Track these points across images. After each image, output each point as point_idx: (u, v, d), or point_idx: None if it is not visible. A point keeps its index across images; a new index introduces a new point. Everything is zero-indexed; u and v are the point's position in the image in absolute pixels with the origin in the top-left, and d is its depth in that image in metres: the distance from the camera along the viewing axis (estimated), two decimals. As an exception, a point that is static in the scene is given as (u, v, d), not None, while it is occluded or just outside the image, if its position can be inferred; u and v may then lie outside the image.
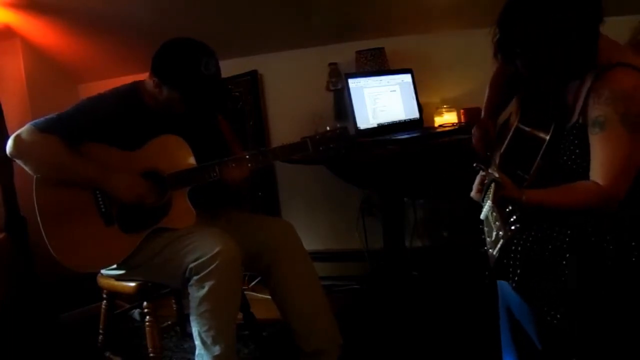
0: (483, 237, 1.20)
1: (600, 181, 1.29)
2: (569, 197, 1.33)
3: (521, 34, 1.32)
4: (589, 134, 1.33)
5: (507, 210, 1.13)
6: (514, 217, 1.10)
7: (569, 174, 1.39)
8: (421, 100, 2.59)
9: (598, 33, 1.34)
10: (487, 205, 1.22)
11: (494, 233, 1.14)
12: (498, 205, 1.17)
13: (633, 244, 1.28)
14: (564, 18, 1.29)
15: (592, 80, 1.33)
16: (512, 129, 1.56)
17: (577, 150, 1.38)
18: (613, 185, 1.28)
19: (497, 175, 1.29)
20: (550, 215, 1.37)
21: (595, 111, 1.30)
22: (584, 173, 1.34)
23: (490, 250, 1.15)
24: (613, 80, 1.29)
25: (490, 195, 1.24)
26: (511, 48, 1.35)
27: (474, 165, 1.41)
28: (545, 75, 1.38)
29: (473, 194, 1.41)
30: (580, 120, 1.37)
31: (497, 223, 1.13)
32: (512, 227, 1.08)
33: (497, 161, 1.57)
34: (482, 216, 1.25)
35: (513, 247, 1.36)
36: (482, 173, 1.39)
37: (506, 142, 1.57)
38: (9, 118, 2.43)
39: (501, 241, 1.09)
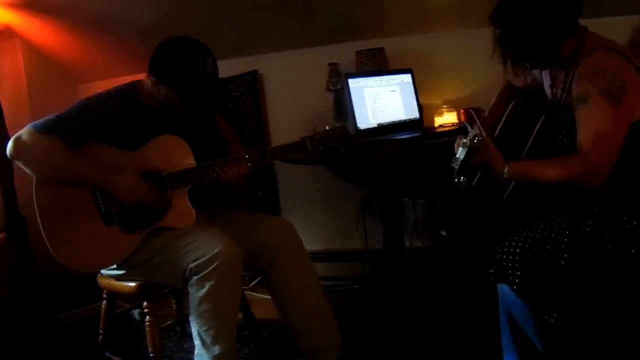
0: (452, 159, 1.40)
1: (583, 151, 1.31)
2: (553, 169, 1.35)
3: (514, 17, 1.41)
4: (574, 112, 1.36)
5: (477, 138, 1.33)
6: (479, 137, 1.32)
7: (558, 152, 1.42)
8: (421, 100, 2.59)
9: (576, 23, 1.41)
10: (462, 145, 1.37)
11: (460, 149, 1.36)
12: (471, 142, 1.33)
13: (631, 241, 1.28)
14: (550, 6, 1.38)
15: (577, 65, 1.37)
16: (505, 114, 1.61)
17: (564, 130, 1.41)
18: (595, 155, 1.29)
19: (480, 131, 1.36)
20: (547, 196, 1.40)
21: (579, 88, 1.35)
22: (572, 151, 1.36)
23: (454, 166, 1.38)
24: (594, 59, 1.34)
25: (469, 138, 1.35)
26: (501, 26, 1.44)
27: (464, 124, 1.46)
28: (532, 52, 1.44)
29: (456, 149, 1.46)
30: (566, 102, 1.40)
31: (464, 148, 1.34)
32: (475, 140, 1.31)
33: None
34: (457, 155, 1.40)
35: (512, 250, 1.36)
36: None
37: (499, 127, 1.62)
38: (9, 118, 2.43)
39: (465, 151, 1.33)
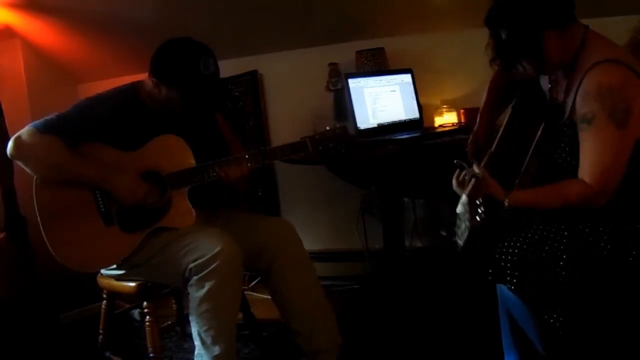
0: (455, 228, 1.25)
1: (587, 178, 1.29)
2: (555, 197, 1.32)
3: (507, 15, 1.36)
4: (578, 131, 1.33)
5: (477, 202, 1.19)
6: (481, 209, 1.17)
7: (561, 171, 1.39)
8: (421, 100, 2.59)
9: (573, 17, 1.37)
10: (462, 199, 1.25)
11: (463, 225, 1.21)
12: (470, 200, 1.22)
13: (630, 243, 1.28)
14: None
15: (581, 78, 1.33)
16: (503, 125, 1.56)
17: (567, 148, 1.38)
18: (600, 182, 1.27)
19: (477, 171, 1.29)
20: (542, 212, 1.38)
21: (584, 107, 1.31)
22: (574, 171, 1.34)
23: (458, 240, 1.21)
24: (600, 76, 1.29)
25: (467, 190, 1.26)
26: (499, 20, 1.39)
27: (455, 162, 1.40)
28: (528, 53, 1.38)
29: (455, 186, 1.40)
30: (571, 118, 1.37)
31: (466, 215, 1.19)
32: (478, 218, 1.15)
33: (486, 158, 1.56)
34: (457, 210, 1.28)
35: (510, 250, 1.36)
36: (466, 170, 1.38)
37: (497, 138, 1.57)
38: (9, 118, 2.43)
39: (467, 232, 1.15)
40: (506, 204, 1.31)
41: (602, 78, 1.29)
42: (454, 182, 1.40)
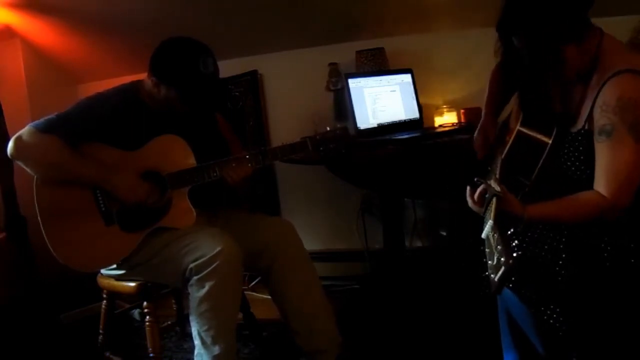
0: (485, 260, 1.14)
1: (604, 191, 1.27)
2: (572, 211, 1.29)
3: (524, 14, 1.31)
4: (594, 142, 1.31)
5: (509, 233, 1.09)
6: (515, 242, 1.07)
7: (571, 180, 1.38)
8: (421, 100, 2.59)
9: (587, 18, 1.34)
10: (489, 225, 1.17)
11: (496, 257, 1.09)
12: (499, 226, 1.13)
13: (632, 245, 1.28)
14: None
15: (599, 87, 1.31)
16: (514, 132, 1.53)
17: (582, 157, 1.36)
18: (617, 196, 1.25)
19: (498, 189, 1.24)
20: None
21: (603, 119, 1.28)
22: (587, 180, 1.32)
23: (492, 275, 1.09)
24: (621, 87, 1.27)
25: (492, 214, 1.18)
26: (513, 29, 1.34)
27: (475, 180, 1.34)
28: (543, 59, 1.35)
29: (471, 204, 1.34)
30: (586, 127, 1.34)
31: (498, 247, 1.08)
32: (515, 255, 1.04)
33: (498, 169, 1.53)
34: (483, 235, 1.19)
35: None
36: (482, 186, 1.32)
37: (507, 146, 1.54)
38: (9, 118, 2.43)
39: (503, 268, 1.04)
40: (525, 218, 1.26)
41: (623, 90, 1.26)
42: (469, 200, 1.35)
